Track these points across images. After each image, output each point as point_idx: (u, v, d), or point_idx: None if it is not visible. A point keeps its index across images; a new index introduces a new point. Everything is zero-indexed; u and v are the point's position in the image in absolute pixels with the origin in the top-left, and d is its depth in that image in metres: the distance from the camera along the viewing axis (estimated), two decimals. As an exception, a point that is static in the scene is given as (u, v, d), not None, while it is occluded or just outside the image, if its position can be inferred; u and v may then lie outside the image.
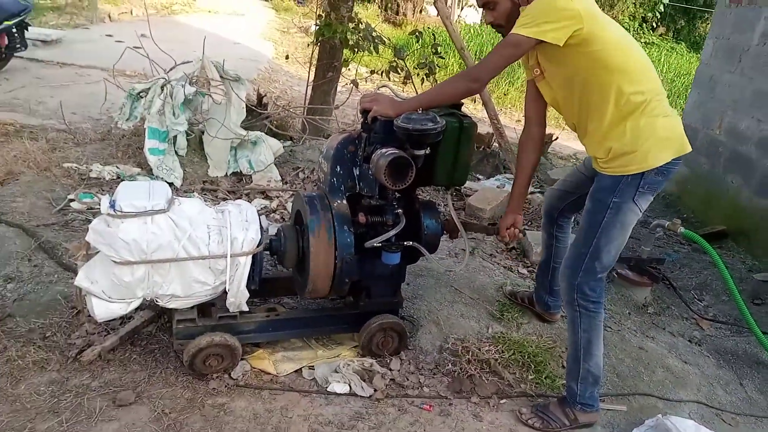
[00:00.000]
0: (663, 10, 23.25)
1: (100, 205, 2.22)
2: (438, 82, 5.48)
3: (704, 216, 4.96)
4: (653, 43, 22.48)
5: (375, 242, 2.40)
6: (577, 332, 2.41)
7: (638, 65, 2.22)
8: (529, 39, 2.09)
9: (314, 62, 5.71)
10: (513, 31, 2.12)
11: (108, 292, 2.22)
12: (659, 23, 24.56)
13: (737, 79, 4.76)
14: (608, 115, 2.20)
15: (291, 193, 4.30)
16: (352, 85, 5.42)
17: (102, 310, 2.25)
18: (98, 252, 2.22)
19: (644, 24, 23.79)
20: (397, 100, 2.35)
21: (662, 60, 17.08)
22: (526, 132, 2.60)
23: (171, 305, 2.36)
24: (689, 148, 2.27)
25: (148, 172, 4.11)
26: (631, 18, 23.13)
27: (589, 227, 2.31)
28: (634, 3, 22.85)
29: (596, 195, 2.31)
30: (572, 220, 2.90)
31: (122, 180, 3.94)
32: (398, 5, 19.37)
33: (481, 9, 2.40)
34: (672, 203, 5.34)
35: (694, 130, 5.25)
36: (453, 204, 4.49)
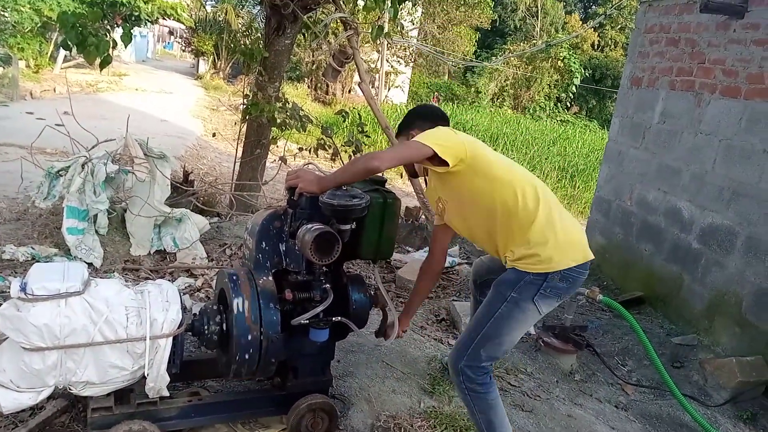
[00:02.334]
0: (575, 90, 25.00)
1: (10, 288, 2.11)
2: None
3: (622, 283, 5.17)
4: (568, 121, 24.00)
5: (302, 319, 2.37)
6: (474, 414, 2.40)
7: (529, 181, 2.38)
8: (425, 146, 2.21)
9: (242, 139, 5.75)
10: (415, 138, 2.29)
11: (16, 381, 2.08)
12: (573, 103, 26.35)
13: (642, 154, 5.11)
14: (513, 227, 2.32)
15: (216, 270, 4.21)
16: (280, 161, 5.47)
17: (9, 401, 2.09)
18: (6, 338, 2.09)
19: (559, 103, 25.45)
20: (321, 176, 2.39)
21: (577, 136, 18.15)
22: (428, 261, 2.79)
23: (86, 393, 2.22)
24: (591, 256, 2.39)
25: (66, 252, 3.94)
26: (547, 98, 24.72)
27: (483, 315, 2.36)
28: (549, 84, 24.48)
29: (498, 286, 2.37)
30: None
31: (37, 261, 3.76)
32: (327, 85, 19.94)
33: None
34: (592, 272, 5.54)
35: (607, 201, 5.56)
36: (383, 276, 4.52)
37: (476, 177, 2.31)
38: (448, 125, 2.59)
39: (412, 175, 2.88)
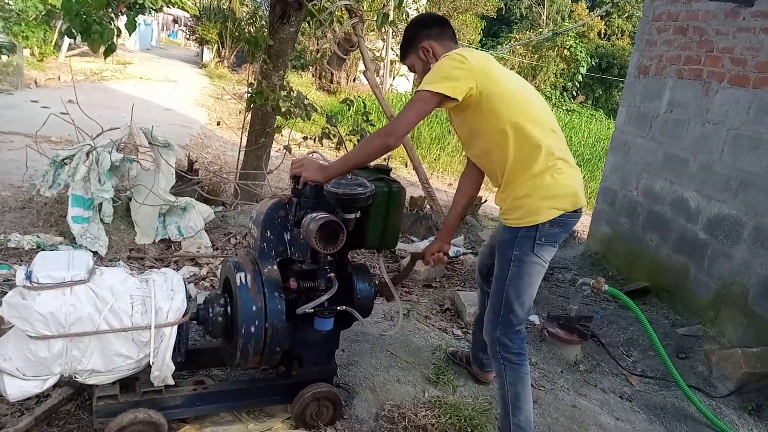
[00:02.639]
0: (581, 79, 24.85)
1: (15, 276, 2.11)
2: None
3: (628, 273, 5.15)
4: (574, 110, 23.86)
5: (307, 308, 2.36)
6: (504, 386, 2.47)
7: (535, 121, 2.33)
8: (431, 93, 2.20)
9: (247, 128, 5.74)
10: (424, 88, 2.23)
11: (22, 370, 2.08)
12: (579, 92, 26.20)
13: (649, 144, 5.08)
14: (507, 170, 2.35)
15: (221, 259, 4.21)
16: (285, 150, 5.46)
17: (15, 389, 2.10)
18: (12, 327, 2.09)
19: (565, 92, 25.30)
20: (325, 164, 2.39)
21: (583, 126, 18.06)
22: (466, 172, 2.76)
23: (91, 381, 2.22)
24: (582, 203, 2.40)
25: (71, 241, 3.95)
26: (553, 87, 24.57)
27: (498, 282, 2.44)
28: (555, 73, 24.33)
29: (500, 250, 2.44)
30: None
31: (42, 250, 3.77)
32: (332, 74, 19.88)
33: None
34: (597, 261, 5.53)
35: (613, 191, 5.53)
36: (387, 266, 4.52)
37: (482, 113, 2.30)
38: (451, 27, 2.51)
39: None
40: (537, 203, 2.30)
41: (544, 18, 29.60)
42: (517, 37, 24.22)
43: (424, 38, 2.45)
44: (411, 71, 2.59)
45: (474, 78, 2.22)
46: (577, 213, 2.39)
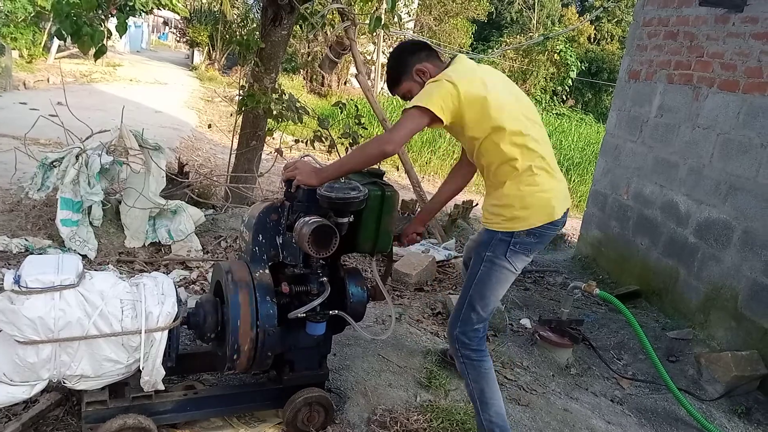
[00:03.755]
0: (571, 84, 24.98)
1: (3, 280, 2.08)
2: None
3: (618, 277, 5.18)
4: (563, 114, 23.98)
5: (299, 312, 2.35)
6: (468, 385, 2.53)
7: (519, 134, 2.38)
8: (420, 109, 2.26)
9: (238, 130, 5.71)
10: (410, 103, 2.31)
11: (9, 375, 2.06)
12: (568, 96, 26.32)
13: (639, 148, 5.10)
14: (490, 176, 2.47)
15: (212, 263, 4.19)
16: (276, 153, 5.44)
17: (2, 394, 2.08)
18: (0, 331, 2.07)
19: (555, 97, 25.41)
20: (319, 168, 2.38)
21: (572, 130, 18.14)
22: (457, 166, 2.88)
23: (80, 386, 2.20)
24: (558, 215, 2.44)
25: (60, 244, 3.92)
26: (543, 91, 24.68)
27: (468, 279, 2.53)
28: (545, 77, 24.45)
29: (477, 249, 2.53)
30: None
31: (31, 253, 3.73)
32: (323, 77, 19.85)
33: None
34: (588, 265, 5.55)
35: (604, 195, 5.56)
36: (378, 270, 4.50)
37: (467, 130, 2.38)
38: (432, 48, 2.60)
39: None
40: (515, 212, 2.39)
41: (535, 22, 29.74)
42: (508, 41, 24.32)
43: (416, 62, 2.52)
44: (405, 99, 2.62)
45: (459, 100, 2.29)
46: (554, 225, 2.45)
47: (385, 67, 2.66)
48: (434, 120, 2.28)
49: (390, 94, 20.22)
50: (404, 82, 2.56)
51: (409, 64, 2.53)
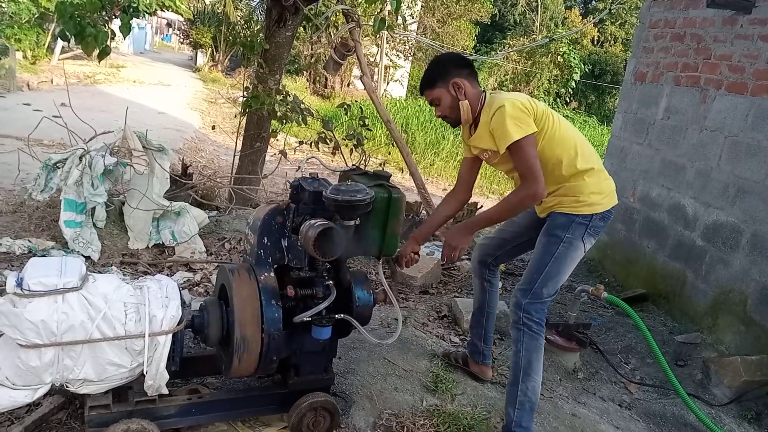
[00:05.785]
0: (575, 86, 24.93)
1: (5, 283, 2.06)
2: (366, 152, 5.56)
3: (625, 280, 5.14)
4: (567, 116, 23.88)
5: (305, 316, 2.32)
6: (519, 352, 2.62)
7: (579, 144, 2.66)
8: (530, 135, 2.45)
9: (242, 132, 5.69)
10: (515, 138, 2.43)
11: (12, 379, 2.03)
12: (572, 98, 26.28)
13: (646, 150, 5.07)
14: (560, 177, 2.62)
15: (216, 265, 4.16)
16: (280, 154, 5.42)
17: (4, 398, 2.04)
18: (1, 335, 2.04)
19: (558, 99, 25.37)
20: (465, 227, 2.71)
21: (577, 132, 18.01)
22: (453, 191, 2.96)
23: (83, 390, 2.17)
24: (617, 201, 2.74)
25: (63, 245, 3.89)
26: (546, 93, 24.62)
27: (542, 257, 2.64)
28: (549, 80, 24.39)
29: (551, 231, 2.65)
30: (499, 269, 3.16)
31: (34, 255, 3.71)
32: (326, 79, 19.85)
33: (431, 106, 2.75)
34: (594, 269, 5.51)
35: (610, 198, 5.52)
36: (384, 272, 4.47)
37: (542, 140, 2.56)
38: (475, 71, 2.72)
39: (455, 124, 2.77)
40: (595, 197, 2.61)
41: (538, 24, 29.68)
42: (511, 43, 24.24)
43: (456, 75, 2.59)
44: (431, 104, 2.71)
45: (538, 117, 2.53)
46: (613, 210, 2.70)
47: (426, 68, 2.70)
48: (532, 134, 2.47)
49: (392, 95, 20.22)
50: (438, 88, 2.62)
51: (451, 74, 2.59)
